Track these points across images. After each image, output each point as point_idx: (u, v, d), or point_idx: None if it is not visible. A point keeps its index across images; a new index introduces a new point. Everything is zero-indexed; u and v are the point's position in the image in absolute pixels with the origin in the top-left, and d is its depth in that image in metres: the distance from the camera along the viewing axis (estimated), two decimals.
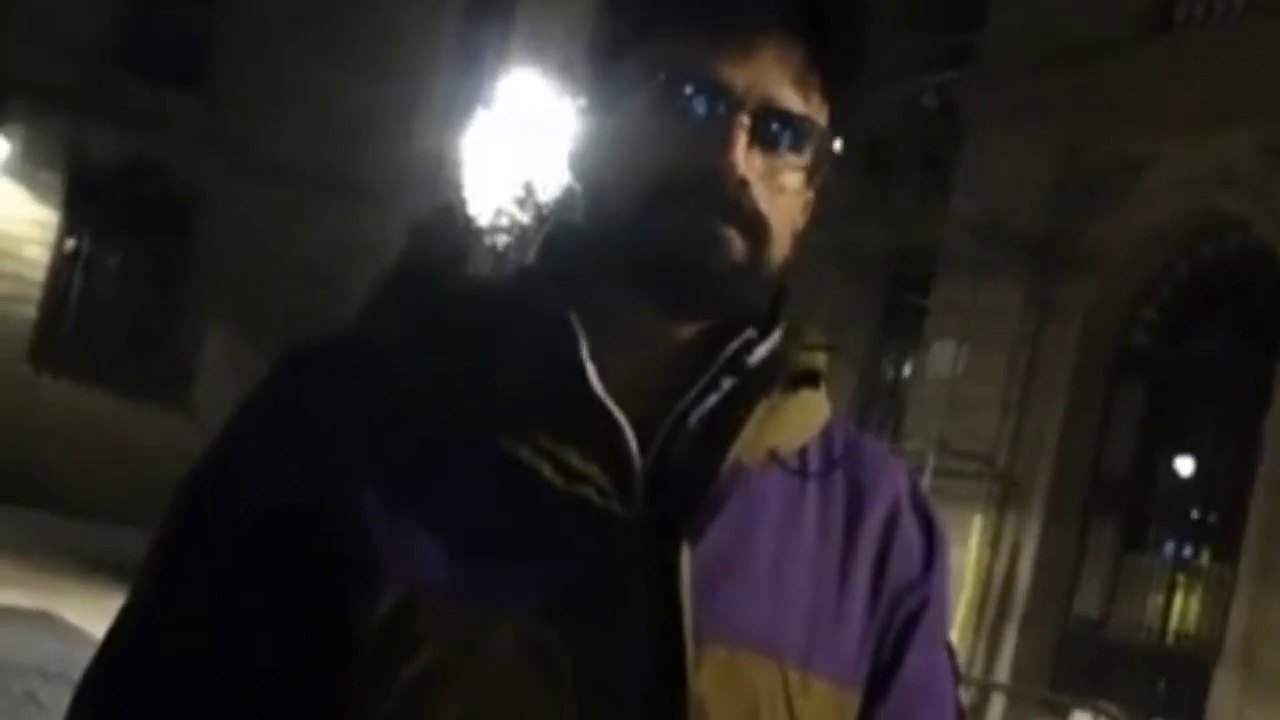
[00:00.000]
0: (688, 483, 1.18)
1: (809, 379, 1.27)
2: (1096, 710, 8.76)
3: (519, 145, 13.28)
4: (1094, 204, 13.39)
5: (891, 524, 1.30)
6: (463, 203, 14.15)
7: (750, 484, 1.21)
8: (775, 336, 1.25)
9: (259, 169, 19.33)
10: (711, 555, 1.17)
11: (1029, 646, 13.07)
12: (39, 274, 19.50)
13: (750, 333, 1.24)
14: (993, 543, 13.37)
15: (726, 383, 1.21)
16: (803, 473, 1.26)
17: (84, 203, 19.60)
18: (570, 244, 1.27)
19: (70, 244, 19.81)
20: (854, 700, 1.24)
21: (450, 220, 14.94)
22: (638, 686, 1.13)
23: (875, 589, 1.27)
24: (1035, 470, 13.39)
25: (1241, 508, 11.81)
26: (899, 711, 1.27)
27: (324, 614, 1.14)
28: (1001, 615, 13.22)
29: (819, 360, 1.28)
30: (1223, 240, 12.99)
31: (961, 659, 10.25)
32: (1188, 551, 13.04)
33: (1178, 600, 12.87)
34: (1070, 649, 13.14)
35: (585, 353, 1.17)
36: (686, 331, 1.22)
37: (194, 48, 20.09)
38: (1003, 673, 13.00)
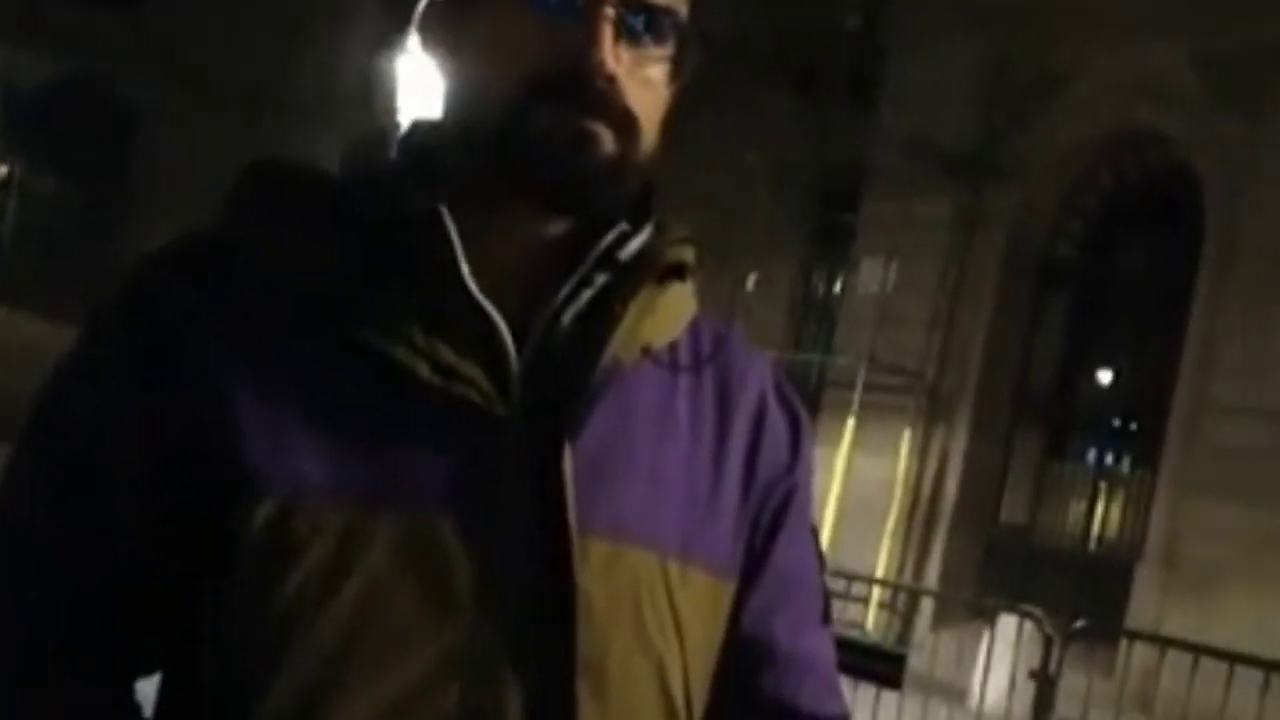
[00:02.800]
0: (564, 379, 1.17)
1: (677, 272, 1.26)
2: (1022, 613, 8.97)
3: None
4: (1021, 118, 13.46)
5: (760, 417, 1.31)
6: (395, 126, 14.12)
7: (625, 379, 1.20)
8: (646, 232, 1.24)
9: (189, 88, 19.17)
10: (591, 451, 1.17)
11: (957, 553, 13.38)
12: None
13: (623, 227, 1.23)
14: (921, 454, 13.60)
15: (600, 279, 1.21)
16: (674, 367, 1.27)
17: (16, 127, 19.41)
18: (434, 140, 1.24)
19: (2, 169, 19.65)
20: (730, 589, 1.26)
21: (383, 142, 14.88)
22: (524, 581, 1.13)
23: (747, 480, 1.28)
24: (962, 383, 13.60)
25: (1161, 416, 12.06)
26: (770, 598, 1.29)
27: (200, 519, 1.12)
28: (930, 524, 13.50)
29: (687, 254, 1.27)
30: (1145, 153, 13.13)
31: (892, 566, 10.47)
32: (1109, 459, 13.32)
33: (1100, 506, 13.16)
34: (997, 555, 13.45)
35: (459, 250, 1.16)
36: (557, 227, 1.21)
37: None
38: (931, 579, 13.28)
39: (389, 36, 17.03)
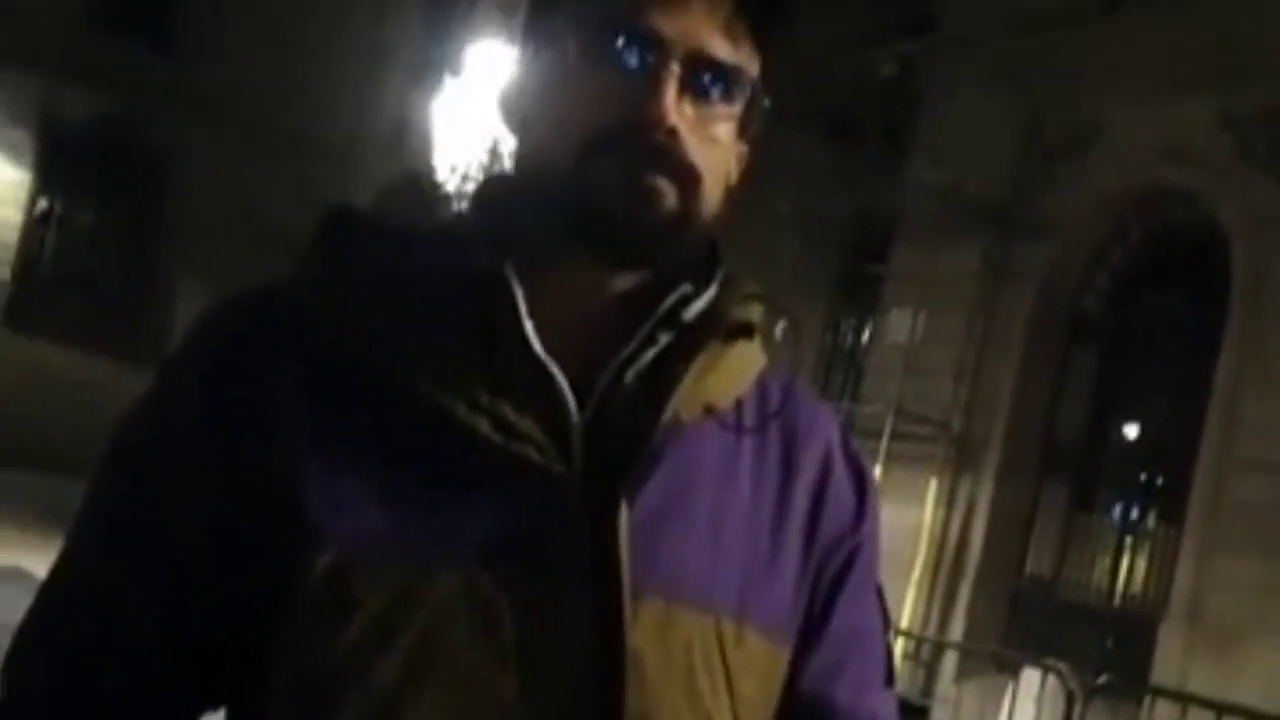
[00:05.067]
0: (625, 439, 1.17)
1: (743, 330, 1.26)
2: (1046, 667, 8.97)
3: (486, 113, 13.40)
4: (1052, 172, 13.47)
5: (824, 475, 1.30)
6: (430, 169, 14.25)
7: (687, 438, 1.20)
8: (711, 290, 1.24)
9: (228, 128, 19.34)
10: (649, 511, 1.16)
11: (981, 605, 13.28)
12: (12, 235, 19.50)
13: (686, 287, 1.23)
14: (947, 504, 13.54)
15: (663, 337, 1.21)
16: (738, 426, 1.26)
17: (56, 162, 19.59)
18: (504, 196, 1.26)
19: (42, 204, 19.82)
20: (787, 651, 1.25)
21: (417, 185, 15.03)
22: (576, 641, 1.12)
23: (809, 540, 1.27)
24: (989, 433, 13.55)
25: (1188, 471, 11.99)
26: (830, 661, 1.28)
27: (258, 570, 1.13)
28: (955, 575, 13.42)
29: (754, 311, 1.27)
30: (1173, 210, 13.13)
31: (916, 617, 10.46)
32: (1135, 514, 13.24)
33: (1125, 561, 13.09)
34: (1022, 608, 13.36)
35: (523, 309, 1.16)
36: (621, 284, 1.21)
37: (164, 6, 20.04)
38: (956, 630, 13.17)
39: (424, 78, 17.20)
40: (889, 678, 1.34)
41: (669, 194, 1.17)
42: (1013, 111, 13.61)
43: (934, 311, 13.86)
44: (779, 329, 1.31)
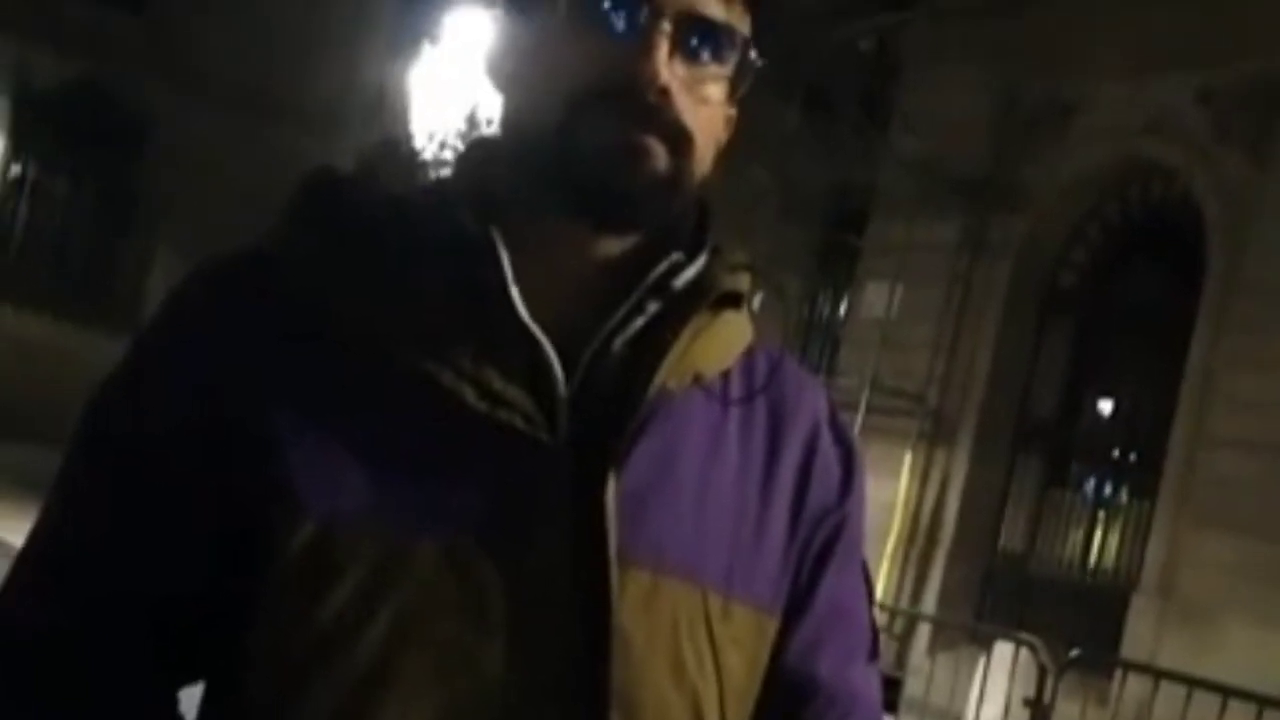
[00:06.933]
0: (612, 408, 1.15)
1: (732, 300, 1.24)
2: (1018, 641, 9.03)
3: (464, 82, 13.34)
4: (1029, 146, 13.51)
5: (811, 448, 1.28)
6: (408, 136, 14.20)
7: (674, 408, 1.18)
8: (701, 260, 1.22)
9: (203, 93, 19.21)
10: (636, 481, 1.14)
11: (955, 579, 13.39)
12: None
13: (676, 256, 1.21)
14: (922, 478, 13.63)
15: (652, 306, 1.19)
16: (725, 398, 1.24)
17: (29, 128, 19.43)
18: (489, 158, 1.23)
19: (15, 169, 19.67)
20: (773, 624, 1.24)
21: (395, 152, 14.99)
22: (561, 613, 1.11)
23: (795, 513, 1.26)
24: (964, 408, 13.63)
25: (1161, 447, 12.08)
26: (815, 634, 1.26)
27: (238, 539, 1.12)
28: (929, 548, 13.51)
29: (742, 281, 1.25)
30: (1150, 186, 13.18)
31: (890, 590, 10.51)
32: (1109, 489, 13.33)
33: (1098, 536, 13.19)
34: (995, 581, 13.47)
35: (509, 274, 1.14)
36: (610, 249, 1.19)
37: None
38: (929, 604, 13.29)
39: (402, 45, 17.11)
40: (873, 652, 1.32)
41: (660, 155, 1.15)
42: (991, 86, 13.62)
43: (911, 285, 13.89)
44: (757, 300, 1.29)
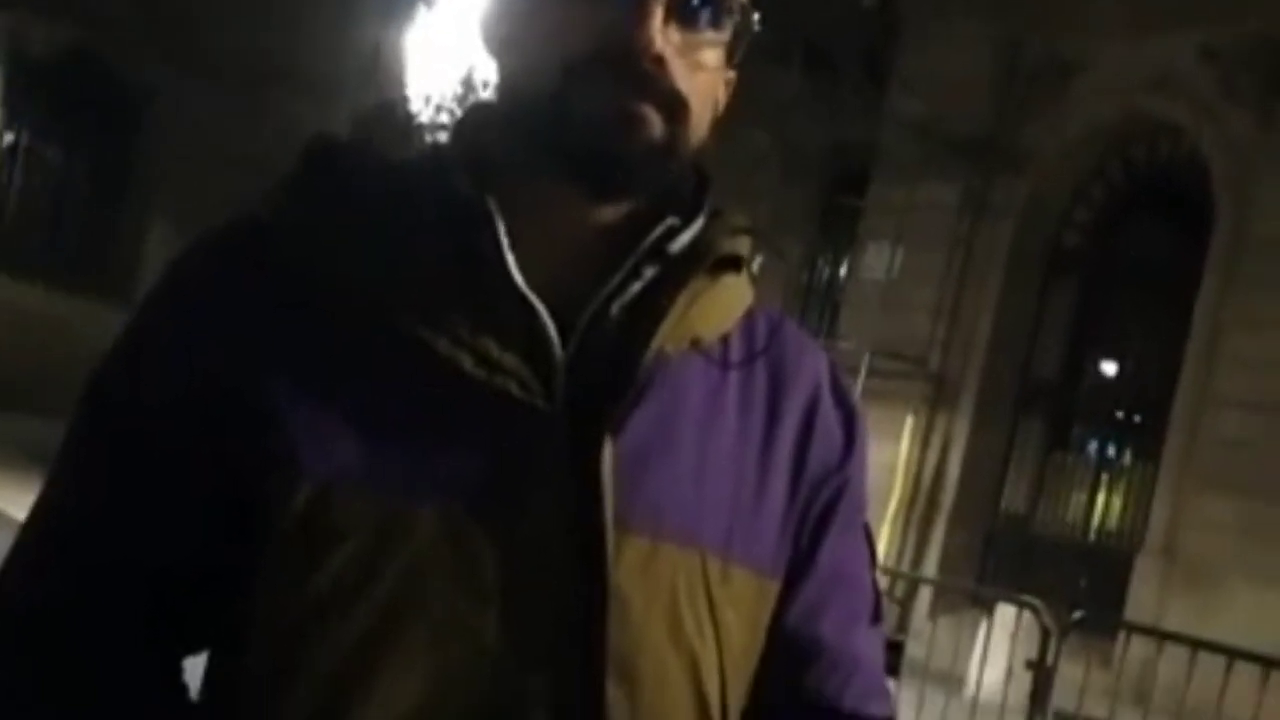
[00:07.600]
0: (609, 373, 1.15)
1: (731, 264, 1.23)
2: (1021, 604, 8.98)
3: (460, 45, 13.27)
4: (1032, 104, 13.42)
5: (811, 411, 1.28)
6: (404, 100, 14.13)
7: (672, 373, 1.18)
8: (698, 223, 1.21)
9: (198, 60, 19.11)
10: (633, 446, 1.14)
11: (957, 542, 13.36)
12: None
13: (673, 219, 1.20)
14: (923, 441, 13.58)
15: (649, 270, 1.19)
16: (725, 361, 1.24)
17: (23, 96, 19.33)
18: (484, 125, 1.23)
19: (9, 138, 19.58)
20: (773, 588, 1.24)
21: (391, 116, 14.91)
22: (558, 579, 1.11)
23: (795, 477, 1.26)
24: (966, 370, 13.57)
25: (1165, 408, 12.03)
26: (816, 597, 1.26)
27: (236, 508, 1.13)
28: (931, 511, 13.48)
29: (742, 245, 1.24)
30: (1155, 145, 13.09)
31: (891, 553, 10.46)
32: (1112, 450, 13.30)
33: (1101, 498, 13.16)
34: (997, 544, 13.45)
35: (505, 241, 1.14)
36: (606, 215, 1.19)
37: None
38: (931, 567, 13.25)
39: (398, 9, 17.01)
40: (875, 615, 1.32)
41: (655, 122, 1.14)
42: (993, 44, 13.52)
43: (912, 246, 13.81)
44: (757, 263, 1.27)
